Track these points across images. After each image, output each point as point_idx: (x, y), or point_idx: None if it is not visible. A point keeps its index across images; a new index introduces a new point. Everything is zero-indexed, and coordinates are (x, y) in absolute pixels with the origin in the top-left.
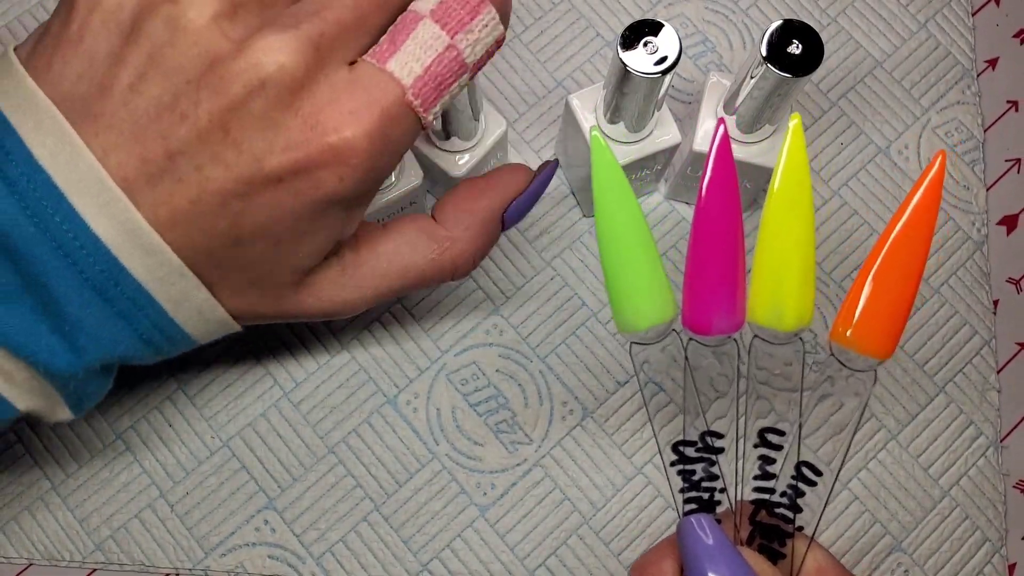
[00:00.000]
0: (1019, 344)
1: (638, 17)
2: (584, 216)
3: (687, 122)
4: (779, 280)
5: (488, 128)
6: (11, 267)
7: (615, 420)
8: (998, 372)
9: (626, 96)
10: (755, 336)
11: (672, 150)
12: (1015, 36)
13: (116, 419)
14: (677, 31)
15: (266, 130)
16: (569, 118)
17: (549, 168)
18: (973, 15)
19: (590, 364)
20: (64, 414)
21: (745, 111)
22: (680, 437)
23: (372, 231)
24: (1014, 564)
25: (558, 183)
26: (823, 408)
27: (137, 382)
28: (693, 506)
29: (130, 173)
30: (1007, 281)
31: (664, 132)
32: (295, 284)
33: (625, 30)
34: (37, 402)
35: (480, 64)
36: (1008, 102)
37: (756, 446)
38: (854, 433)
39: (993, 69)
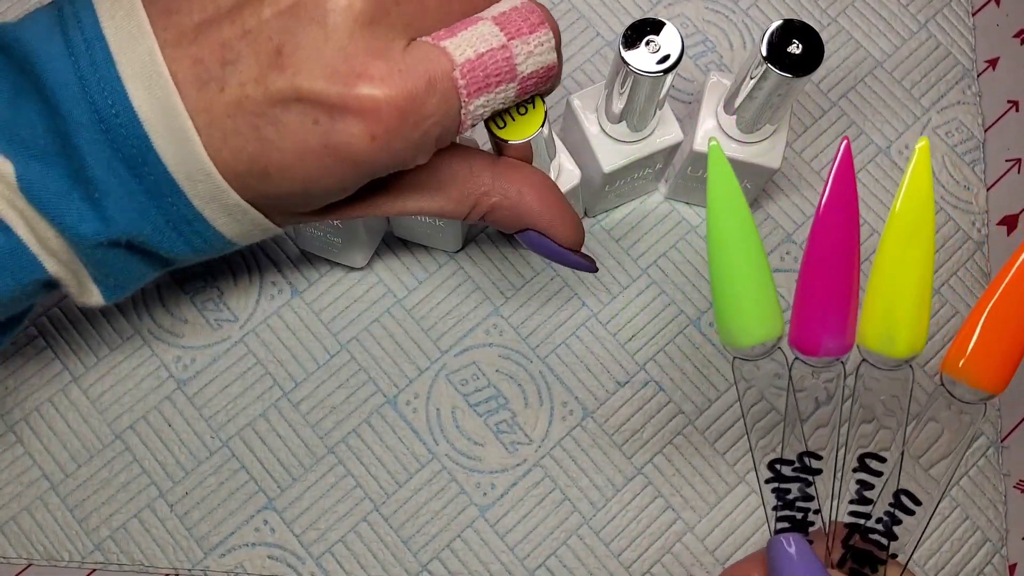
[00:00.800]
0: None
1: (638, 17)
2: (584, 216)
3: (687, 122)
4: (893, 305)
5: (561, 177)
6: (52, 126)
7: (615, 420)
8: None
9: (628, 95)
10: (863, 360)
11: (674, 149)
12: (1015, 36)
13: (115, 419)
14: (683, 27)
15: (314, 60)
16: (570, 118)
17: (584, 263)
18: (973, 15)
19: (590, 364)
20: (93, 295)
21: (745, 111)
22: (777, 455)
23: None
24: (1015, 564)
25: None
26: (927, 437)
27: (137, 382)
28: (785, 524)
29: (181, 69)
30: None
31: (666, 131)
32: (324, 211)
33: (627, 29)
34: (64, 271)
35: (528, 83)
36: (1009, 102)
37: (855, 470)
38: (959, 464)
39: (993, 69)
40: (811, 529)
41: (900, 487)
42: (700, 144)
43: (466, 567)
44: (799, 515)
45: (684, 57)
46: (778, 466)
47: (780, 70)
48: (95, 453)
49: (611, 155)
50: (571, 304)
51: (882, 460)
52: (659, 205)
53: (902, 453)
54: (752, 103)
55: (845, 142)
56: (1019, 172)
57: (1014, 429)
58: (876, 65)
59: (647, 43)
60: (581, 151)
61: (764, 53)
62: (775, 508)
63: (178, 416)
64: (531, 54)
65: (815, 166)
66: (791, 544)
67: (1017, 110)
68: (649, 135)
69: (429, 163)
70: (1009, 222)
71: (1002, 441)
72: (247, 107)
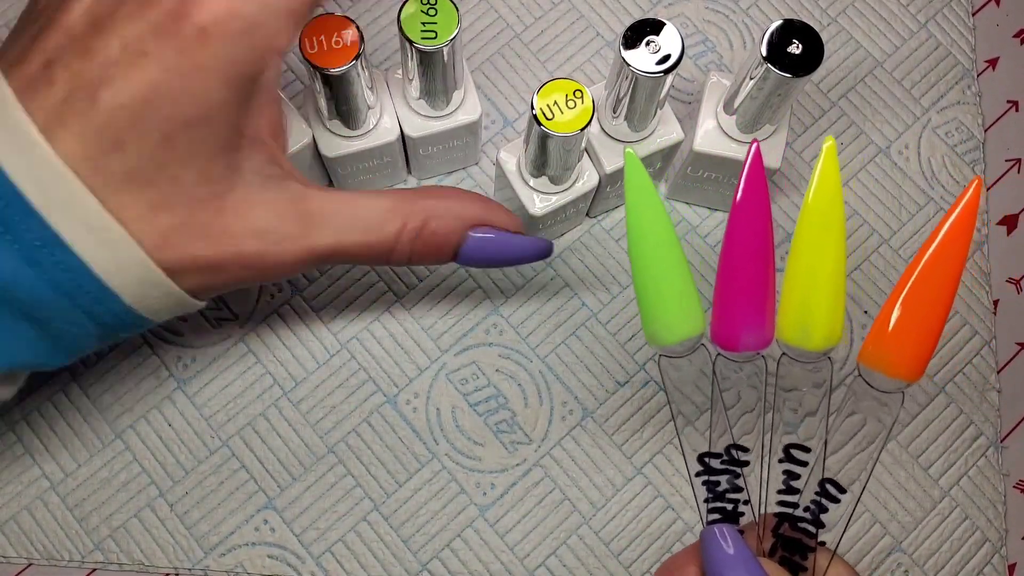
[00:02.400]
0: (1019, 344)
1: (638, 17)
2: (586, 216)
3: (687, 122)
4: (808, 299)
5: (585, 177)
6: None
7: (615, 420)
8: (998, 372)
9: (629, 95)
10: (783, 353)
11: (674, 148)
12: (1015, 36)
13: (115, 418)
14: (683, 27)
15: (135, 18)
16: None
17: (539, 243)
18: (973, 15)
19: (590, 364)
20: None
21: (745, 111)
22: (706, 449)
23: (338, 190)
24: (1014, 564)
25: None
26: (849, 427)
27: (137, 381)
28: (717, 516)
29: (17, 86)
30: (1007, 281)
31: (667, 130)
32: (213, 200)
33: (627, 29)
34: None
35: None
36: (1008, 102)
37: (781, 461)
38: (880, 452)
39: (993, 69)
40: (742, 520)
41: (825, 476)
42: (700, 144)
43: (466, 567)
44: (729, 506)
45: (684, 57)
46: (707, 459)
47: (780, 70)
48: (95, 452)
49: (612, 154)
50: (571, 304)
51: (807, 450)
52: None
53: (825, 443)
54: (752, 103)
55: (755, 144)
56: (1019, 172)
57: (1014, 429)
58: (876, 65)
59: (647, 43)
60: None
61: (764, 53)
62: (706, 500)
63: (178, 415)
64: None
65: (814, 166)
66: (724, 535)
67: (1017, 110)
68: (649, 135)
69: (341, 203)
70: (1009, 222)
71: (1001, 441)
72: (82, 83)
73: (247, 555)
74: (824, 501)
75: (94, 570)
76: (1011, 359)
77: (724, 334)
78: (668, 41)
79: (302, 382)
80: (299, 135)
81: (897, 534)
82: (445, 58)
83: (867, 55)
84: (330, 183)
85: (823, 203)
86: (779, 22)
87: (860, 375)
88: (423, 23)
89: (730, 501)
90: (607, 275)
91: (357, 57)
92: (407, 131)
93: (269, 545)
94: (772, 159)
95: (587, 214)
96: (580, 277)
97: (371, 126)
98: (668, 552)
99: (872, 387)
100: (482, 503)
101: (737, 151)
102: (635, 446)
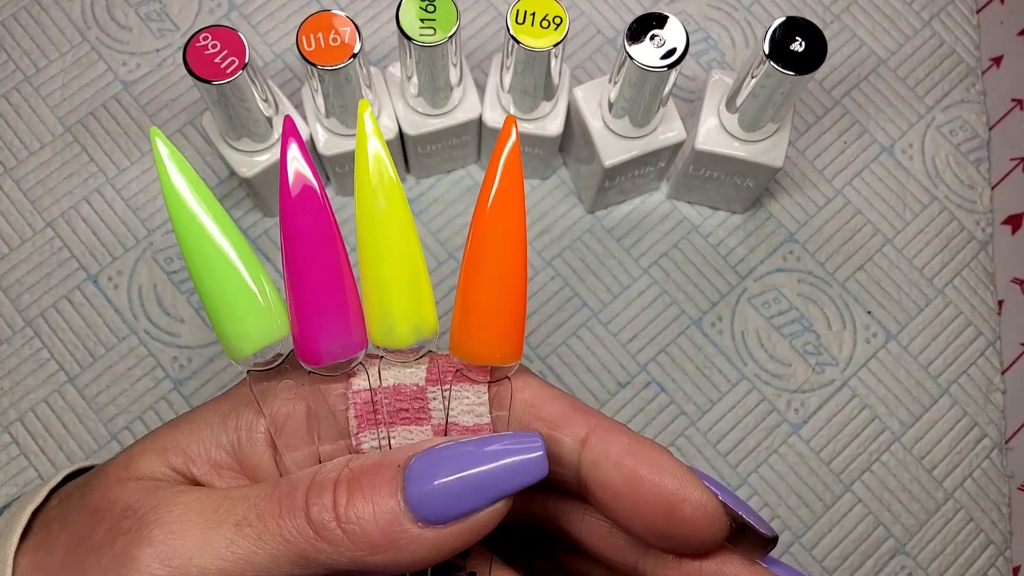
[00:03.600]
0: None
1: (639, 14)
2: (587, 212)
3: (689, 120)
4: (384, 288)
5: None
6: None
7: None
8: (1003, 373)
9: (632, 89)
10: (381, 357)
11: (676, 147)
12: (1020, 34)
13: (111, 420)
14: (685, 24)
15: None
16: (574, 110)
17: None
18: (977, 12)
19: (590, 364)
20: None
21: (747, 109)
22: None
23: None
24: (1018, 567)
25: (559, 182)
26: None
27: (132, 382)
28: None
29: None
30: (1012, 281)
31: (669, 128)
32: None
33: (632, 23)
34: None
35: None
36: (1013, 100)
37: None
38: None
39: (998, 67)
40: None
41: None
42: (702, 143)
43: None
44: None
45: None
46: None
47: (783, 68)
48: (91, 454)
49: (612, 150)
50: (571, 304)
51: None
52: (661, 204)
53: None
54: (754, 101)
55: (288, 119)
56: None
57: (1018, 430)
58: (879, 63)
59: (651, 37)
60: (583, 144)
61: (766, 51)
62: None
63: (174, 416)
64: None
65: (818, 165)
66: None
67: (1022, 108)
68: (651, 132)
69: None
70: (1014, 221)
71: (1007, 443)
72: None
73: None
74: None
75: None
76: (1016, 360)
77: (304, 346)
78: (672, 35)
79: None
80: None
81: (901, 536)
82: (444, 55)
83: (870, 53)
84: (328, 180)
85: (371, 175)
86: (782, 19)
87: (459, 370)
88: (422, 20)
89: None
90: (607, 275)
91: (354, 55)
92: (405, 129)
93: None
94: (775, 158)
95: (588, 210)
96: (580, 277)
97: None
98: None
99: (474, 380)
100: None
101: (739, 150)
102: None
